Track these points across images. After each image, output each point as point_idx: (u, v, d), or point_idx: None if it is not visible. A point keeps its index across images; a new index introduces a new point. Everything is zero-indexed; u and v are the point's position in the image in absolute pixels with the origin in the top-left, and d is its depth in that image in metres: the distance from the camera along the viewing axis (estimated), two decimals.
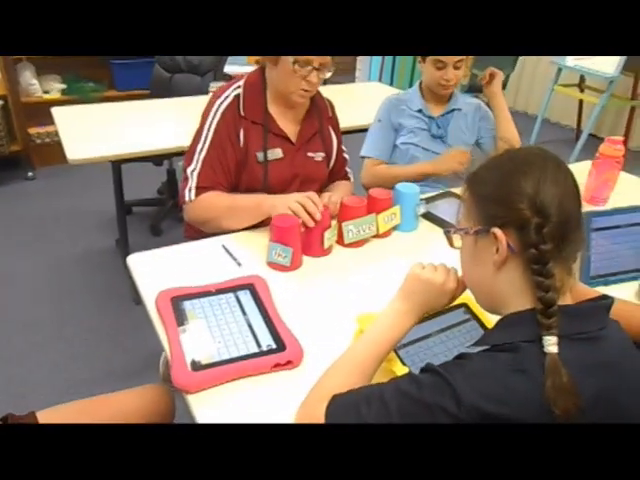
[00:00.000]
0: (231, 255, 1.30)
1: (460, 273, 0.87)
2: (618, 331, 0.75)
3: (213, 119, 1.44)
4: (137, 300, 2.27)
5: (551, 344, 0.67)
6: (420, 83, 1.80)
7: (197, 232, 1.48)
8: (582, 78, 4.26)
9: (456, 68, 1.66)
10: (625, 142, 4.08)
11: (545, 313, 0.69)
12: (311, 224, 1.25)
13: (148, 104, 2.63)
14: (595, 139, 4.40)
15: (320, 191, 1.61)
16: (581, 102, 4.44)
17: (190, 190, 1.42)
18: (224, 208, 1.39)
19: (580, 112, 4.51)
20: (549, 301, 0.69)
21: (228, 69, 3.01)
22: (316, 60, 1.34)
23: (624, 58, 3.69)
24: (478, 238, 0.77)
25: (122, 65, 3.51)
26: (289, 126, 1.50)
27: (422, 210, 1.48)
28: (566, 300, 0.73)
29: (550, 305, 0.69)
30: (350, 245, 1.36)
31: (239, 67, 3.35)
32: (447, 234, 0.85)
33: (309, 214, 1.26)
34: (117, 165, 2.22)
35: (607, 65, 3.78)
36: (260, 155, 1.46)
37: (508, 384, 0.66)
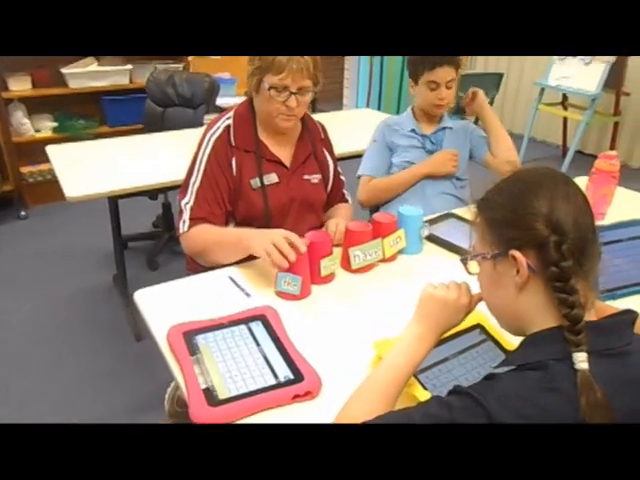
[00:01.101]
0: (239, 286, 1.29)
1: (472, 289, 0.87)
2: None
3: (205, 150, 1.47)
4: (138, 336, 2.24)
5: (581, 361, 0.67)
6: (412, 108, 1.86)
7: (198, 265, 1.47)
8: (565, 97, 4.36)
9: (448, 88, 1.73)
10: None
11: (573, 330, 0.69)
12: (285, 265, 1.20)
13: (142, 139, 2.64)
14: (582, 155, 4.49)
15: (321, 215, 1.62)
16: (565, 120, 4.54)
17: (184, 222, 1.43)
18: (211, 242, 1.39)
19: (565, 129, 4.60)
20: (576, 317, 0.69)
21: (220, 101, 3.04)
22: (293, 85, 1.36)
23: (605, 76, 3.79)
24: (497, 262, 0.77)
25: (113, 101, 3.53)
26: (282, 151, 1.52)
27: (426, 232, 1.49)
28: (590, 316, 0.73)
29: (577, 321, 0.69)
30: (357, 271, 1.35)
31: (230, 98, 3.39)
32: (464, 261, 0.84)
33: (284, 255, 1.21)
34: (114, 201, 2.21)
35: (588, 83, 3.88)
36: (254, 182, 1.46)
37: (541, 403, 0.65)
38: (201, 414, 0.88)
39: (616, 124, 4.25)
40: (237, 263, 1.36)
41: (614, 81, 3.90)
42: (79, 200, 1.96)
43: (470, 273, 0.84)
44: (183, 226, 1.43)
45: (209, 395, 0.91)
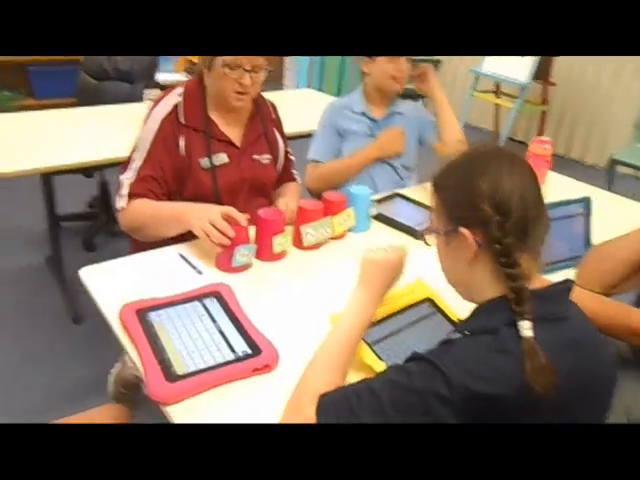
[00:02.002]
0: (190, 264, 1.27)
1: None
2: (579, 311, 0.82)
3: (151, 129, 1.42)
4: (77, 319, 2.16)
5: (526, 328, 0.72)
6: (363, 88, 1.84)
7: (141, 246, 1.43)
8: (497, 85, 4.55)
9: (407, 60, 1.72)
10: None
11: (517, 300, 0.74)
12: (226, 242, 1.21)
13: (75, 113, 2.51)
14: (512, 142, 4.71)
15: (271, 195, 1.62)
16: (497, 107, 4.74)
17: (121, 197, 1.39)
18: (149, 217, 1.37)
19: (497, 116, 4.81)
20: (519, 289, 0.74)
21: (159, 77, 2.93)
22: (246, 62, 1.34)
23: (535, 66, 3.99)
24: (449, 238, 0.82)
25: (40, 72, 3.32)
26: (232, 130, 1.50)
27: (374, 211, 1.52)
28: (534, 284, 0.79)
29: (520, 292, 0.74)
30: (308, 248, 1.37)
31: (168, 74, 3.28)
32: (421, 235, 0.88)
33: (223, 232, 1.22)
34: (47, 178, 2.10)
35: (520, 72, 4.06)
36: (204, 161, 1.44)
37: (492, 364, 0.70)
38: (159, 390, 0.87)
39: (543, 113, 4.49)
40: (187, 240, 1.34)
41: (542, 72, 4.11)
42: (10, 176, 1.85)
43: (428, 245, 0.88)
44: (120, 201, 1.39)
45: (167, 371, 0.90)
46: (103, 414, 1.12)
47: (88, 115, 2.48)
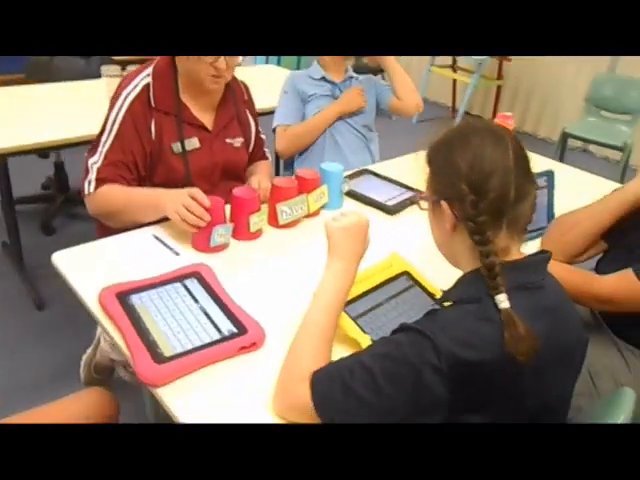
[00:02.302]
0: (166, 245, 1.26)
1: None
2: (553, 280, 0.86)
3: (120, 111, 1.37)
4: (40, 306, 2.09)
5: (502, 301, 0.75)
6: (318, 60, 1.91)
7: (108, 230, 1.40)
8: (454, 60, 4.60)
9: None
10: (494, 118, 4.48)
11: (489, 275, 0.77)
12: (202, 224, 1.20)
13: (25, 90, 2.39)
14: (469, 116, 4.80)
15: (243, 178, 1.60)
16: (454, 82, 4.81)
17: (90, 183, 1.35)
18: (121, 203, 1.34)
19: (454, 91, 4.88)
20: (490, 265, 0.77)
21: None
22: None
23: None
24: (434, 207, 0.84)
25: None
26: (204, 114, 1.46)
27: (346, 188, 1.54)
28: (513, 256, 0.82)
29: (491, 268, 0.77)
30: (284, 226, 1.38)
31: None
32: (415, 200, 0.91)
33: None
34: (2, 159, 2.00)
35: None
36: (175, 146, 1.41)
37: (478, 331, 0.74)
38: (148, 372, 0.87)
39: (499, 88, 4.59)
40: (160, 221, 1.32)
41: None
42: None
43: (421, 209, 0.90)
44: (89, 187, 1.35)
45: (154, 353, 0.90)
46: (88, 397, 1.11)
47: (41, 92, 2.37)
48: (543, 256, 0.85)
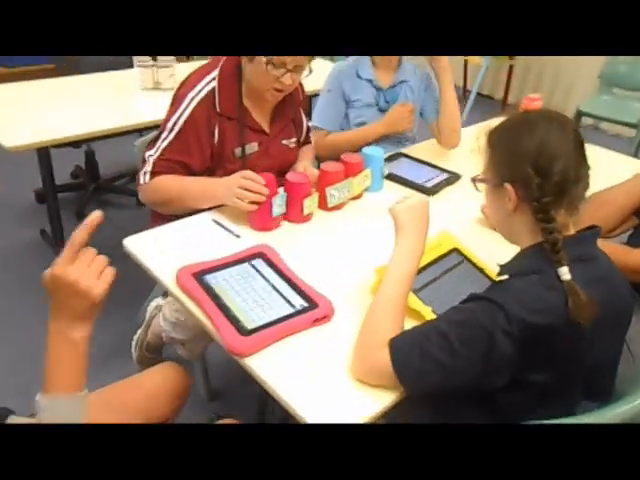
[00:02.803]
0: (226, 228, 1.34)
1: None
2: (602, 252, 0.94)
3: (183, 113, 1.40)
4: None
5: (564, 273, 0.84)
6: None
7: (162, 217, 1.47)
8: None
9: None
10: (506, 98, 4.52)
11: (552, 250, 0.85)
12: (262, 199, 1.28)
13: (57, 82, 2.45)
14: (479, 96, 4.83)
15: None
16: (466, 63, 4.83)
17: (145, 174, 1.42)
18: (175, 193, 1.40)
19: (465, 72, 4.91)
20: (553, 240, 0.85)
21: None
22: (290, 62, 1.34)
23: None
24: (496, 188, 0.92)
25: None
26: (263, 118, 1.51)
27: (386, 171, 1.61)
28: (570, 232, 0.90)
29: (555, 243, 0.85)
30: (332, 209, 1.45)
31: None
32: (473, 182, 0.98)
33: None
34: (45, 151, 2.08)
35: None
36: (237, 151, 1.46)
37: (544, 299, 0.82)
38: (236, 344, 0.96)
39: (511, 67, 4.61)
40: (218, 206, 1.40)
41: None
42: (11, 150, 1.83)
43: (478, 191, 0.98)
44: (144, 177, 1.42)
45: (238, 327, 0.99)
46: (162, 373, 1.20)
47: (72, 84, 2.43)
48: (594, 230, 0.93)
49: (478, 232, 1.41)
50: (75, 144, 2.61)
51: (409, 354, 0.86)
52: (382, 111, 1.85)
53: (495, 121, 0.94)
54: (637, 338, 1.31)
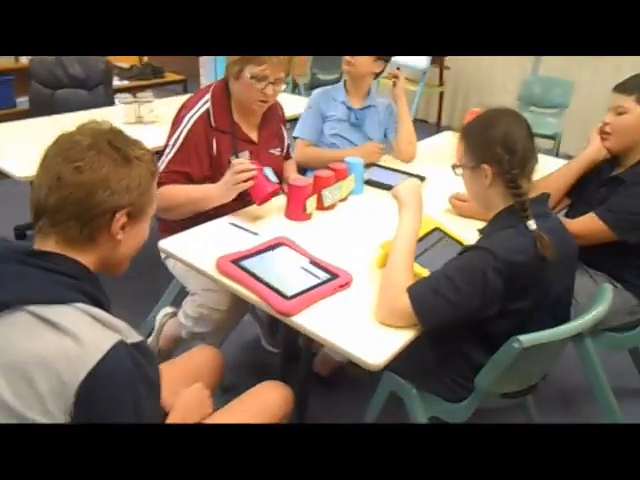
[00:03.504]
0: (244, 229, 1.57)
1: None
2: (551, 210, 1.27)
3: (183, 129, 1.65)
4: None
5: (531, 224, 1.14)
6: (344, 80, 2.19)
7: (171, 227, 1.68)
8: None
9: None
10: (439, 121, 5.04)
11: (521, 209, 1.16)
12: (254, 173, 1.51)
13: (29, 123, 2.53)
14: (416, 121, 5.31)
15: (281, 176, 1.92)
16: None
17: None
18: (182, 200, 1.61)
19: None
20: (522, 202, 1.16)
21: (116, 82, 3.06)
22: (271, 75, 1.60)
23: None
24: (473, 170, 1.22)
25: None
26: (251, 130, 1.78)
27: (366, 177, 1.90)
28: (530, 195, 1.21)
29: (523, 203, 1.16)
30: (327, 208, 1.72)
31: (118, 81, 3.38)
32: (453, 167, 1.28)
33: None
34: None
35: (419, 59, 4.64)
36: (232, 159, 1.68)
37: (520, 243, 1.12)
38: (283, 306, 1.19)
39: (441, 93, 5.13)
40: (234, 210, 1.64)
41: (438, 57, 4.72)
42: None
43: (457, 175, 1.28)
44: None
45: (281, 294, 1.22)
46: (201, 353, 1.39)
47: (53, 122, 2.56)
48: (544, 194, 1.24)
49: (447, 218, 1.72)
50: None
51: (424, 295, 1.13)
52: (352, 125, 2.17)
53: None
54: (579, 290, 1.65)
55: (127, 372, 0.79)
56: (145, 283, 2.30)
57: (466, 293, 1.11)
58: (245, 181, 1.52)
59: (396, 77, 2.17)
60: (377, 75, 2.17)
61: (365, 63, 2.09)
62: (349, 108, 2.17)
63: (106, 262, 0.92)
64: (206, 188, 1.62)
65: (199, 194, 1.62)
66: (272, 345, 2.15)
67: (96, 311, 0.83)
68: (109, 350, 0.78)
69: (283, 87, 1.71)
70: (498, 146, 1.16)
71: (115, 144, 0.88)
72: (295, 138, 2.17)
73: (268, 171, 1.57)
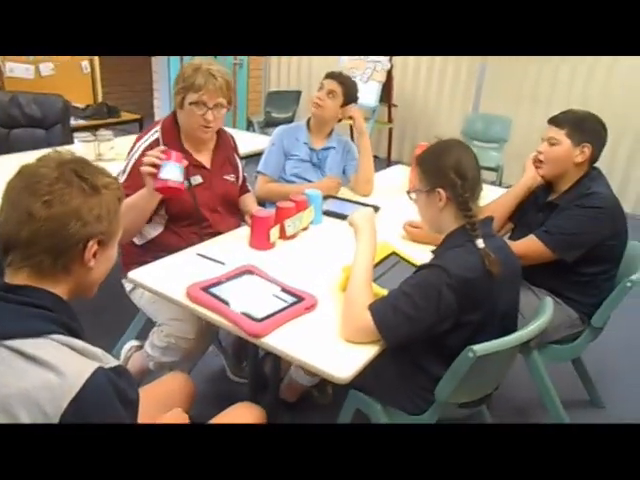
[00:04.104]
0: (211, 259, 1.62)
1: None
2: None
3: (133, 156, 1.75)
4: None
5: (479, 243, 1.26)
6: (308, 120, 2.31)
7: (135, 260, 1.72)
8: None
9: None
10: (389, 156, 5.29)
11: (472, 229, 1.28)
12: (156, 161, 1.52)
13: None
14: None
15: (238, 204, 2.02)
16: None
17: None
18: (124, 208, 1.63)
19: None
20: (472, 223, 1.29)
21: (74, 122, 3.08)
22: (209, 101, 1.72)
23: (379, 92, 4.84)
24: (428, 194, 1.34)
25: None
26: (203, 157, 1.88)
27: (324, 208, 2.01)
28: (478, 217, 1.33)
29: (473, 224, 1.28)
30: (289, 238, 1.81)
31: (77, 120, 3.38)
32: (409, 193, 1.40)
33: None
34: None
35: (369, 98, 4.89)
36: (186, 183, 1.78)
37: (470, 260, 1.24)
38: (254, 328, 1.25)
39: (390, 130, 5.39)
40: (201, 242, 1.70)
41: (386, 96, 4.99)
42: None
43: (412, 199, 1.39)
44: None
45: (251, 317, 1.28)
46: (173, 380, 1.42)
47: (12, 160, 2.56)
48: (490, 217, 1.38)
49: (402, 244, 1.84)
50: None
51: (385, 312, 1.22)
52: (314, 165, 2.31)
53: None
54: (525, 307, 1.79)
55: (108, 397, 0.82)
56: (108, 317, 2.29)
57: (423, 309, 1.21)
58: (154, 166, 1.53)
59: (351, 117, 2.29)
60: (340, 120, 2.30)
61: (333, 107, 2.22)
62: (311, 149, 2.29)
63: (78, 288, 0.94)
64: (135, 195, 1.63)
65: (132, 197, 1.61)
66: (238, 375, 2.17)
67: (73, 341, 0.85)
68: (89, 377, 0.79)
69: (224, 112, 1.80)
70: (451, 172, 1.28)
71: (82, 174, 0.89)
72: (258, 172, 2.27)
73: (173, 166, 1.54)
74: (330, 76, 2.24)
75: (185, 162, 1.58)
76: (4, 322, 0.83)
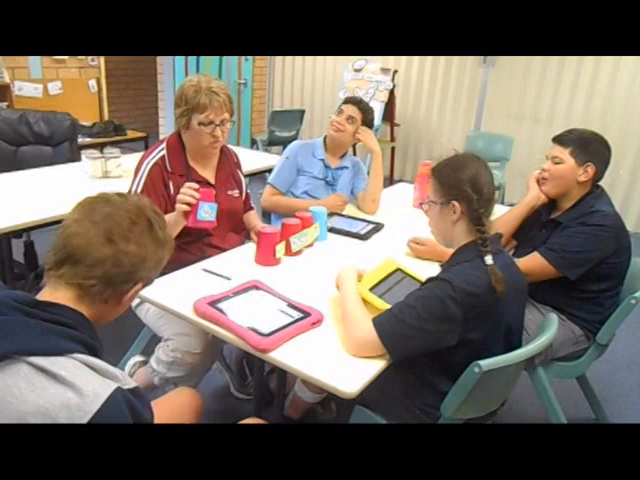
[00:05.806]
0: (216, 274, 1.64)
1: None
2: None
3: (142, 175, 1.80)
4: None
5: (488, 260, 1.27)
6: (324, 138, 2.34)
7: None
8: None
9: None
10: (392, 174, 5.34)
11: (483, 245, 1.29)
12: (192, 200, 1.59)
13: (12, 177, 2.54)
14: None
15: (242, 220, 2.04)
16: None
17: None
18: None
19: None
20: (484, 238, 1.30)
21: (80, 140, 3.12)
22: (216, 118, 1.76)
23: (382, 111, 4.90)
24: (442, 206, 1.35)
25: None
26: (208, 173, 1.92)
27: (329, 225, 2.03)
28: (490, 233, 1.35)
29: (485, 240, 1.30)
30: (294, 254, 1.82)
31: (84, 138, 3.43)
32: (422, 205, 1.41)
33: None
34: (7, 240, 2.20)
35: None
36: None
37: (476, 276, 1.25)
38: (261, 343, 1.26)
39: (393, 148, 5.44)
40: (206, 258, 1.71)
41: (388, 115, 5.05)
42: None
43: (424, 211, 1.42)
44: None
45: (258, 332, 1.29)
46: (181, 395, 1.42)
47: (17, 178, 2.59)
48: (498, 234, 1.39)
49: (406, 260, 1.85)
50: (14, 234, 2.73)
51: (389, 325, 1.23)
52: (327, 183, 2.34)
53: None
54: (530, 324, 1.80)
55: (124, 418, 0.83)
56: (112, 333, 2.29)
57: (427, 321, 1.22)
58: (188, 205, 1.60)
59: (357, 140, 2.32)
60: (357, 142, 2.34)
61: (351, 132, 2.27)
62: (327, 166, 2.32)
63: (101, 318, 0.97)
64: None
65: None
66: (242, 392, 2.17)
67: (93, 360, 0.86)
68: (108, 398, 0.81)
69: (229, 126, 1.84)
70: (468, 186, 1.30)
71: (153, 225, 0.96)
72: (268, 183, 2.30)
73: (209, 207, 1.64)
74: (350, 102, 2.28)
75: (216, 203, 1.65)
76: (27, 338, 0.84)
